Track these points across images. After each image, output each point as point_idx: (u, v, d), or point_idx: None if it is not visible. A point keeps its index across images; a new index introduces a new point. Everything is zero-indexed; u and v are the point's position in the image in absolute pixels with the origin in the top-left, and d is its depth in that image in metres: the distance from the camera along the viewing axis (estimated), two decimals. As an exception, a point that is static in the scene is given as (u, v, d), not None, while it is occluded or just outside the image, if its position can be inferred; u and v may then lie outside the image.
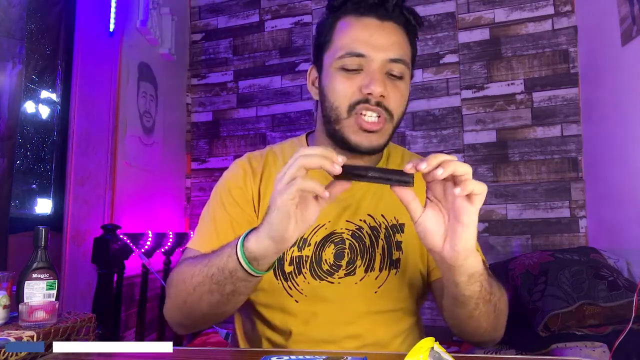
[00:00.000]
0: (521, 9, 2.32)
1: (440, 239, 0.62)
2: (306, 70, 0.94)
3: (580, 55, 2.21)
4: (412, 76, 0.88)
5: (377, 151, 0.86)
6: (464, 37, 2.40)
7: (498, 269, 1.80)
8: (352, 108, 0.80)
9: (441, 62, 2.42)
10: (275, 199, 0.60)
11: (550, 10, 2.27)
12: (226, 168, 0.97)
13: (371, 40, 0.80)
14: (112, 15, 2.07)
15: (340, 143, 0.84)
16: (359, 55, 0.79)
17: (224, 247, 0.71)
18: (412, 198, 0.61)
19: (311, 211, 0.62)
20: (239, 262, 0.65)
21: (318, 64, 0.88)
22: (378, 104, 0.79)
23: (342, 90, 0.81)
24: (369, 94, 0.78)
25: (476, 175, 2.28)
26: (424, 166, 0.56)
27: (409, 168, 0.58)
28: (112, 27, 2.07)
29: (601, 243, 1.91)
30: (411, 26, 0.85)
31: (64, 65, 1.91)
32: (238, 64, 2.77)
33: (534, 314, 1.51)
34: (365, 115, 0.80)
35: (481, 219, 2.28)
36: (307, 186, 0.59)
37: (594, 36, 2.09)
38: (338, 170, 0.57)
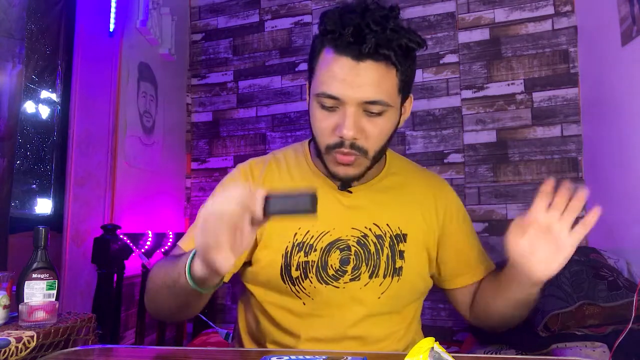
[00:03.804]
0: (521, 9, 2.32)
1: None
2: (306, 70, 0.95)
3: (580, 55, 2.20)
4: (406, 98, 0.88)
5: (353, 180, 0.90)
6: (464, 37, 2.40)
7: (498, 269, 1.80)
8: (330, 148, 0.84)
9: (441, 62, 2.42)
10: (207, 232, 0.61)
11: (550, 10, 2.27)
12: (226, 168, 0.98)
13: (345, 82, 0.79)
14: (112, 15, 2.07)
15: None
16: (333, 97, 0.80)
17: (179, 262, 0.73)
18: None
19: (246, 236, 0.63)
20: (189, 282, 0.69)
21: (309, 81, 0.89)
22: (352, 145, 0.82)
23: (321, 129, 0.84)
24: (341, 137, 0.81)
25: (476, 176, 2.30)
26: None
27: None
28: (112, 27, 2.07)
29: (601, 243, 1.90)
30: (393, 61, 0.79)
31: (64, 65, 1.91)
32: (238, 64, 2.77)
33: (534, 314, 1.51)
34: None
35: (481, 219, 2.28)
36: (238, 220, 0.61)
37: (594, 36, 2.09)
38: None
